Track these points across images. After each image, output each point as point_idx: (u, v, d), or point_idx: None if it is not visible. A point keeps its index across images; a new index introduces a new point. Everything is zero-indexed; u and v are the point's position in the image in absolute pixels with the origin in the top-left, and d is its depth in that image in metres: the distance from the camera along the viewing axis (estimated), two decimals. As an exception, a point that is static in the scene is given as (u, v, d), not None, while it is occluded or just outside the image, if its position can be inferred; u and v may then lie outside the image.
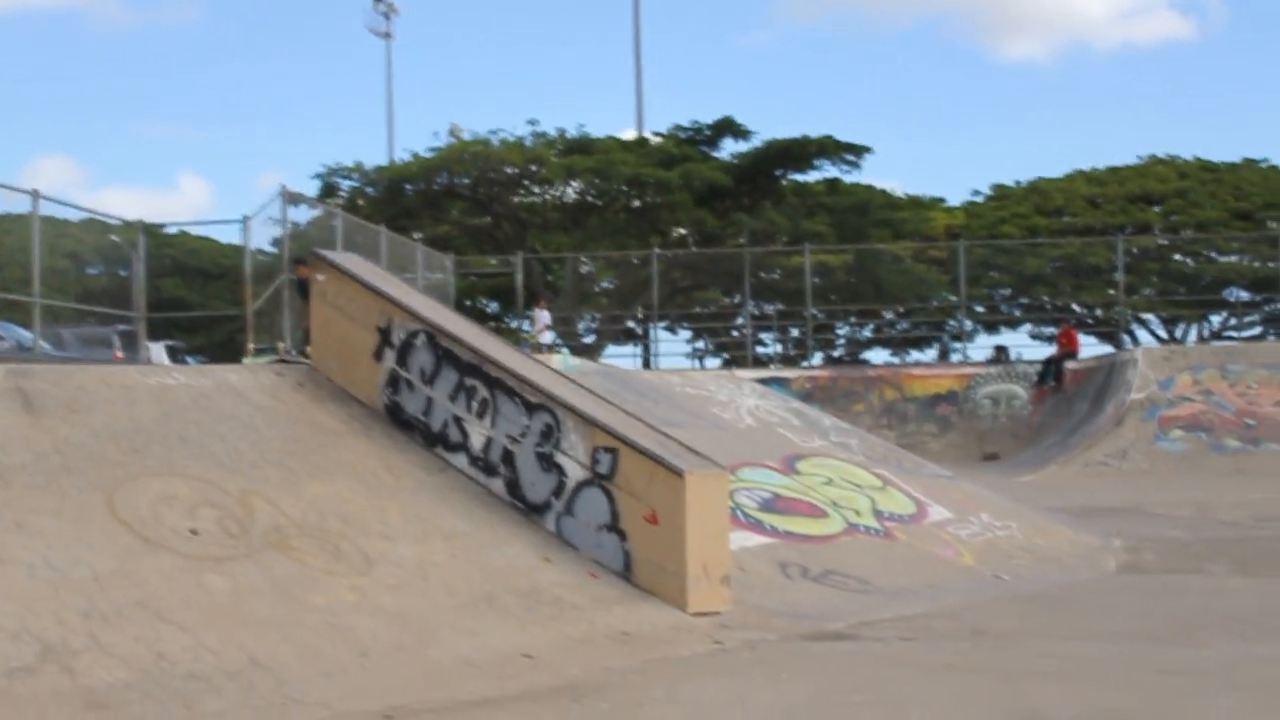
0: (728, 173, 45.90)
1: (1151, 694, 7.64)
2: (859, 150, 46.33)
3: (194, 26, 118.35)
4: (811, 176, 48.22)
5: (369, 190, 47.28)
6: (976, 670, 8.41)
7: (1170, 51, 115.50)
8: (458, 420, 11.43)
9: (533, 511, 10.86)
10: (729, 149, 48.02)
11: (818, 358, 44.40)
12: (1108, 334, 44.27)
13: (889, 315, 47.86)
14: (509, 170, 45.81)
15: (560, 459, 10.71)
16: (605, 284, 48.99)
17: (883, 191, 50.69)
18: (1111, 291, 41.91)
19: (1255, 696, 7.53)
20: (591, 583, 10.06)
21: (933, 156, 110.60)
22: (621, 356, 46.39)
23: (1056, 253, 46.41)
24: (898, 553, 12.88)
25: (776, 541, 12.18)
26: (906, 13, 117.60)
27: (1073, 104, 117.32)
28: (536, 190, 47.29)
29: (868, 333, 48.86)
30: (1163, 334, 48.24)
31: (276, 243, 27.09)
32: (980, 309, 46.76)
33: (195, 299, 45.27)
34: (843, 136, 46.25)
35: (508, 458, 11.08)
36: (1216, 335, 47.39)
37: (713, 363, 46.11)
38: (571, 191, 47.04)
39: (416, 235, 40.60)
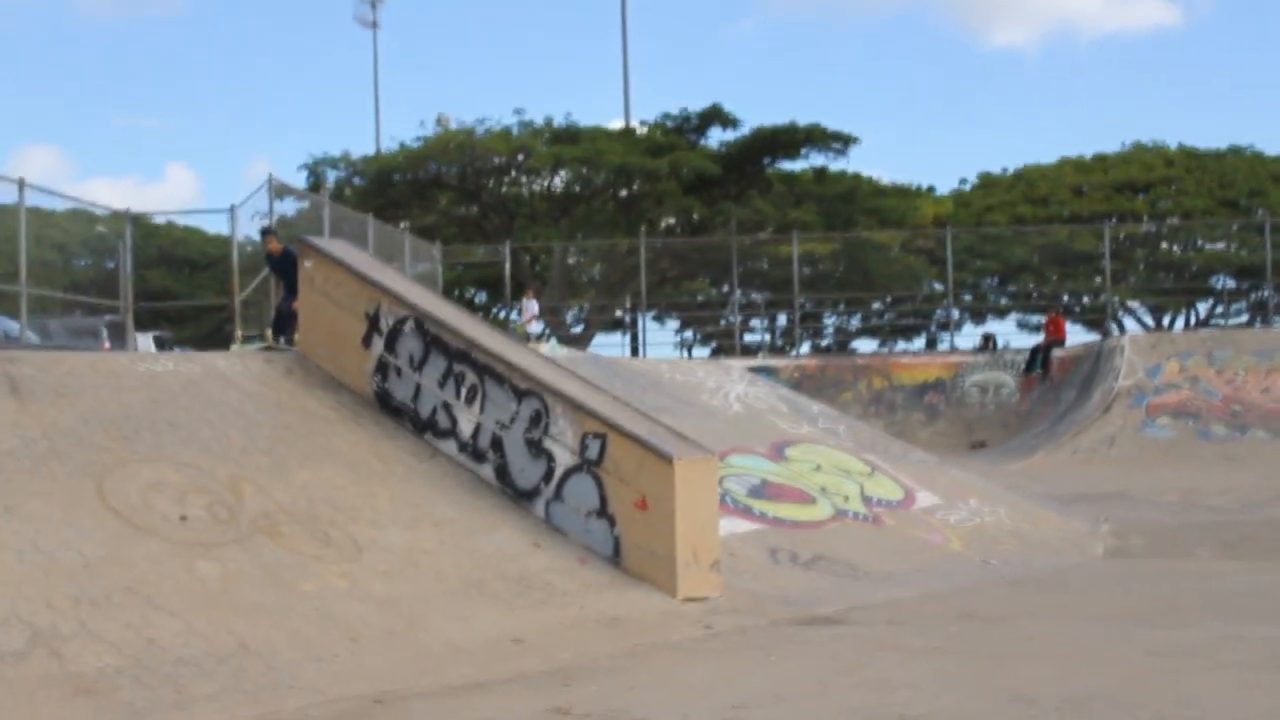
0: (715, 162, 45.87)
1: (1138, 675, 7.67)
2: (846, 139, 46.32)
3: (181, 16, 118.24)
4: (799, 165, 48.23)
5: (356, 180, 47.16)
6: (964, 653, 8.43)
7: (1157, 39, 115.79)
8: (447, 406, 11.44)
9: (522, 497, 10.87)
10: (716, 138, 48.02)
11: (806, 347, 44.46)
12: (1095, 322, 44.33)
13: (877, 304, 47.91)
14: (496, 160, 45.73)
15: (549, 445, 10.72)
16: (593, 273, 48.96)
17: (870, 180, 50.71)
18: (1098, 279, 41.95)
19: (1240, 675, 7.56)
20: (581, 568, 10.08)
21: (920, 145, 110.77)
22: (610, 346, 46.33)
23: (1043, 241, 46.49)
24: (886, 538, 12.91)
25: (766, 527, 12.21)
26: (893, 1, 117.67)
27: (1060, 92, 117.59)
28: (524, 180, 47.23)
29: (855, 321, 48.94)
30: (1150, 321, 48.33)
31: (262, 236, 27.03)
32: (968, 297, 46.80)
33: (182, 289, 45.14)
34: (830, 125, 46.28)
35: (497, 444, 11.08)
36: (1203, 323, 47.48)
37: (701, 352, 46.19)
38: (559, 181, 47.00)
39: (404, 225, 40.56)
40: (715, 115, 47.81)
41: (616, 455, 10.28)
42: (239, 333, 23.15)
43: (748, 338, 46.37)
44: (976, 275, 47.27)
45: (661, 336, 47.16)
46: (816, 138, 46.14)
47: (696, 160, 45.14)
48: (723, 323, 45.89)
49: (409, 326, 11.75)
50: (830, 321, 48.96)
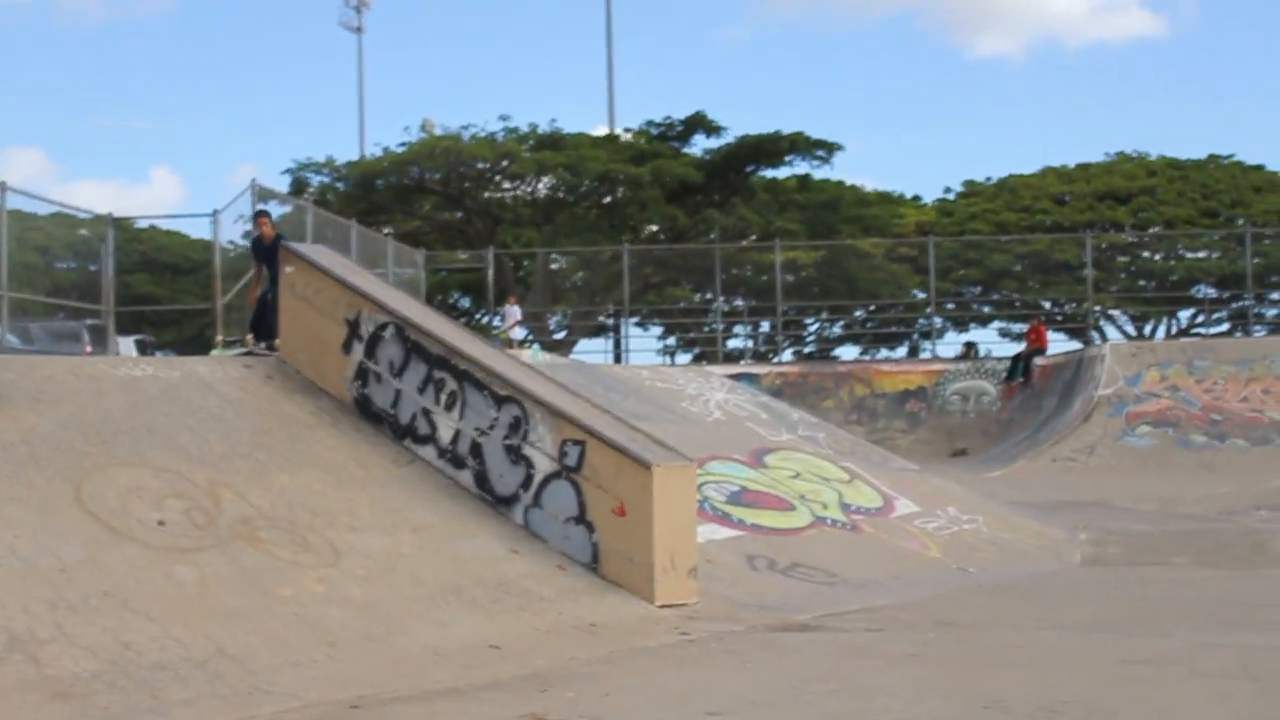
0: (699, 169, 45.95)
1: (1113, 683, 7.71)
2: (830, 147, 46.43)
3: (167, 19, 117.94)
4: (783, 173, 48.31)
5: (340, 185, 47.13)
6: (941, 660, 8.47)
7: (1141, 49, 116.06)
8: (426, 413, 11.46)
9: (501, 503, 10.89)
10: (700, 145, 48.09)
11: (788, 354, 44.52)
12: (1076, 330, 44.45)
13: (859, 312, 48.00)
14: (480, 166, 45.73)
15: (528, 451, 10.75)
16: (576, 280, 48.97)
17: (854, 188, 50.83)
18: (1080, 288, 42.09)
19: (1214, 684, 7.61)
20: (559, 574, 10.10)
21: (905, 152, 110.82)
22: (593, 352, 46.34)
23: (1025, 249, 46.63)
24: (864, 545, 12.96)
25: (744, 534, 12.25)
26: (880, 8, 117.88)
27: (1044, 101, 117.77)
28: (508, 186, 47.25)
29: (838, 329, 49.00)
30: (1131, 330, 48.47)
31: (247, 237, 27.05)
32: (951, 306, 46.91)
33: (165, 294, 45.06)
34: (816, 132, 46.40)
35: (476, 450, 11.10)
36: (1184, 332, 47.63)
37: (684, 358, 46.18)
38: (543, 187, 47.03)
39: (387, 230, 40.57)
40: (699, 122, 47.87)
41: (595, 462, 10.31)
42: (220, 337, 23.14)
43: (730, 344, 46.42)
44: (959, 283, 47.39)
45: (645, 343, 47.31)
46: (800, 145, 46.24)
47: (680, 168, 45.21)
48: (706, 329, 45.91)
49: (389, 333, 11.77)
50: (813, 328, 49.02)
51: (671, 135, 48.26)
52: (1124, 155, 54.53)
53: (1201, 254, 47.72)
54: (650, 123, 48.79)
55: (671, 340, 48.32)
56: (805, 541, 12.57)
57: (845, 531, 13.16)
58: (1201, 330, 46.70)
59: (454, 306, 47.38)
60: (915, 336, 45.30)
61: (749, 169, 47.47)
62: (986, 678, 7.88)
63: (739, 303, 47.47)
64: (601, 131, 50.90)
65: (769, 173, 48.15)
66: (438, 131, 47.36)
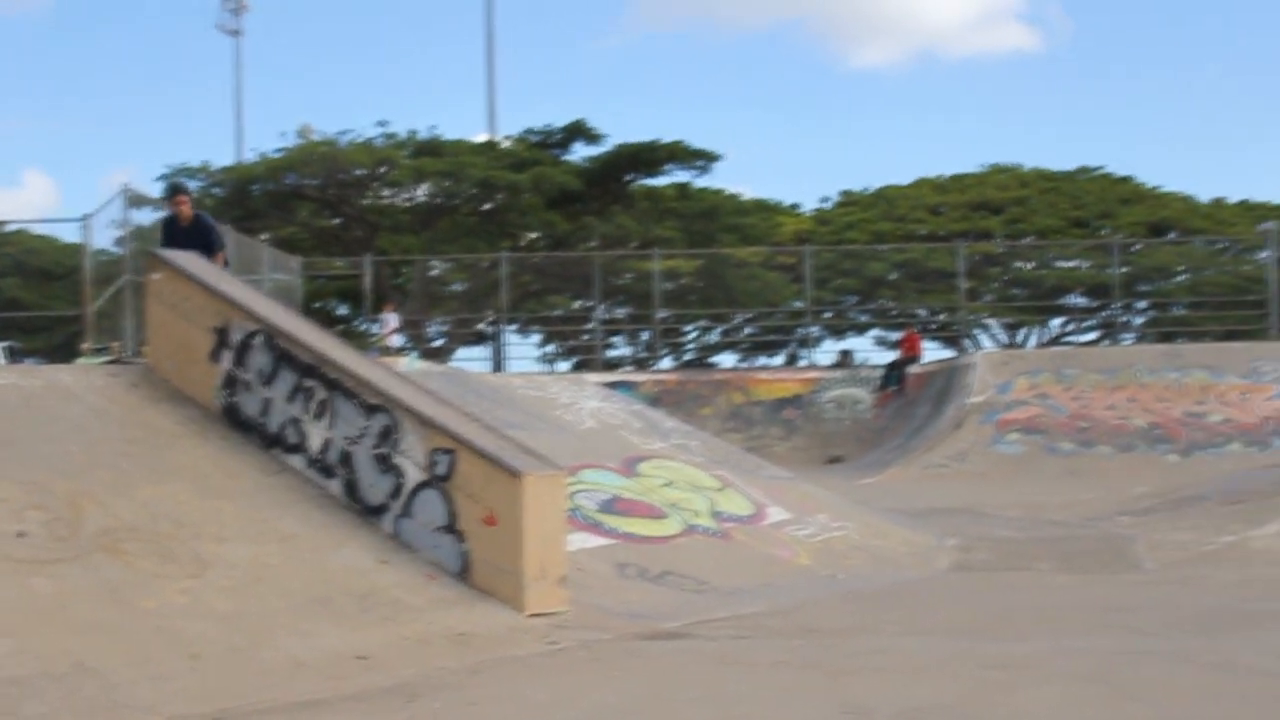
0: (578, 177, 45.98)
1: (972, 687, 7.85)
2: (708, 156, 46.67)
3: (40, 20, 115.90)
4: (662, 181, 48.49)
5: (216, 190, 46.57)
6: (806, 667, 8.56)
7: (1016, 63, 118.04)
8: (295, 421, 11.36)
9: (370, 513, 10.82)
10: (580, 153, 48.14)
11: (667, 361, 44.70)
12: (951, 339, 45.09)
13: (738, 319, 48.34)
14: (358, 172, 45.45)
15: (398, 460, 10.70)
16: (455, 287, 48.82)
17: (732, 197, 51.18)
18: (955, 297, 42.74)
19: (1069, 687, 7.78)
20: (429, 584, 10.07)
21: (784, 162, 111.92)
22: (472, 360, 46.26)
23: (901, 258, 47.26)
24: (735, 553, 13.05)
25: (615, 542, 12.28)
26: (761, 18, 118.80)
27: (921, 112, 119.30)
28: (386, 192, 46.97)
29: (716, 337, 49.30)
30: (1004, 338, 49.25)
31: (119, 242, 26.68)
32: (828, 315, 47.38)
33: (34, 300, 44.31)
34: (696, 140, 46.67)
35: (346, 459, 11.03)
36: (1056, 340, 48.50)
37: (563, 366, 46.25)
38: (421, 194, 46.81)
39: (264, 236, 40.20)
40: (579, 130, 47.91)
41: (465, 471, 10.29)
42: (86, 345, 22.78)
43: (610, 352, 46.55)
44: (836, 292, 47.88)
45: (524, 350, 47.21)
46: (679, 154, 46.43)
47: (559, 175, 45.22)
48: (585, 337, 46.01)
49: (258, 341, 11.66)
50: (692, 337, 49.28)
51: (551, 143, 48.25)
52: (997, 167, 55.50)
53: (1072, 263, 48.68)
54: (530, 130, 48.75)
55: (551, 348, 48.33)
56: (676, 549, 12.63)
57: (716, 539, 13.24)
58: (1072, 338, 47.60)
59: (331, 313, 47.00)
60: (793, 345, 45.72)
61: (628, 177, 47.58)
62: (850, 684, 7.97)
63: (618, 311, 47.60)
64: (481, 138, 50.80)
65: (648, 181, 48.31)
66: (316, 137, 46.96)
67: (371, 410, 10.91)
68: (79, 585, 8.49)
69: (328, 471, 11.13)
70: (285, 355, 11.49)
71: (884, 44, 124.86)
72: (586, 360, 43.79)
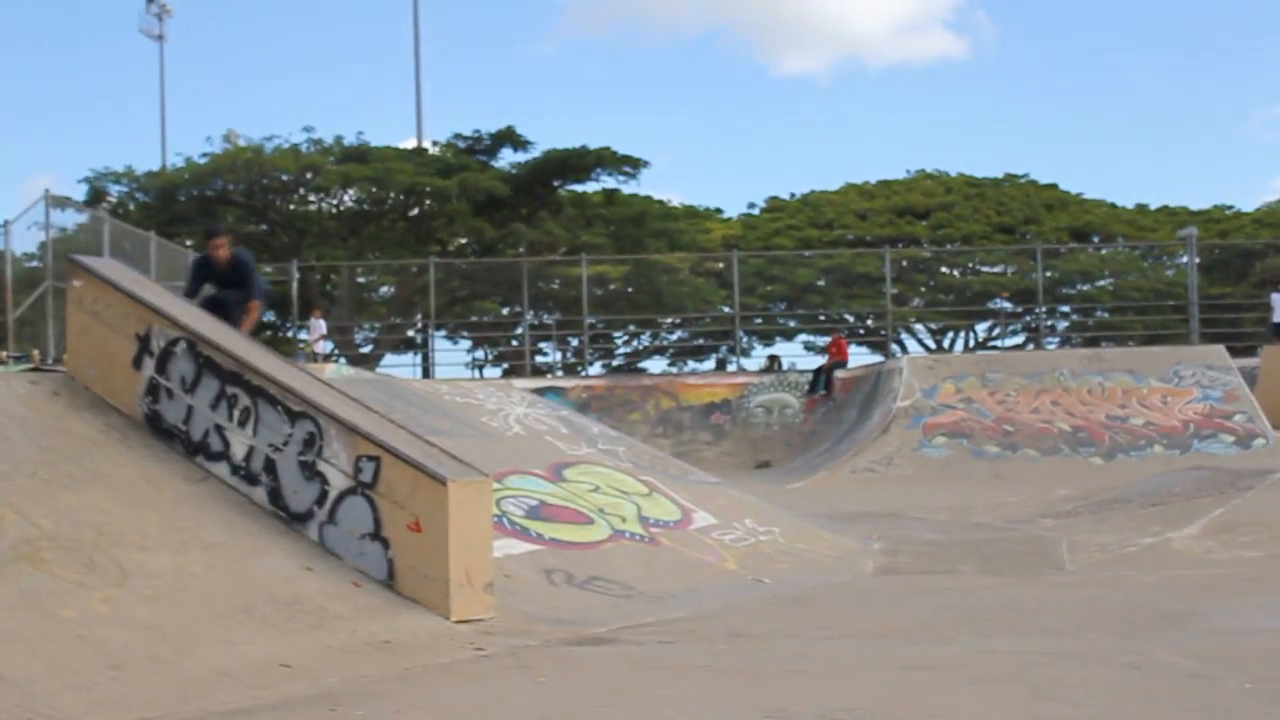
0: (506, 183, 46.02)
1: (893, 689, 7.93)
2: (636, 163, 46.89)
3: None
4: (590, 187, 48.62)
5: (140, 196, 46.23)
6: (731, 671, 8.60)
7: (943, 70, 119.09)
8: (219, 429, 11.29)
9: (295, 520, 10.77)
10: (508, 159, 48.19)
11: (597, 367, 44.77)
12: (878, 343, 45.41)
13: (667, 325, 48.49)
14: (284, 178, 45.27)
15: (323, 467, 10.66)
16: (383, 293, 48.70)
17: (660, 203, 51.35)
18: (882, 301, 43.10)
19: (989, 688, 7.87)
20: (354, 591, 10.03)
21: (711, 168, 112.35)
22: (401, 366, 46.13)
23: (828, 263, 47.56)
24: (662, 558, 13.09)
25: (542, 548, 12.29)
26: (688, 25, 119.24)
27: (847, 118, 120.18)
28: (313, 198, 46.82)
29: (645, 342, 49.42)
30: (931, 343, 49.69)
31: (41, 248, 26.44)
32: (758, 320, 47.61)
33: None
34: (626, 146, 47.09)
35: (270, 466, 10.98)
36: (982, 344, 48.98)
37: (492, 372, 46.24)
38: (348, 200, 46.69)
39: (189, 243, 39.86)
40: (507, 136, 47.98)
41: (390, 478, 10.27)
42: (5, 353, 22.52)
43: (539, 358, 46.54)
44: (764, 298, 48.13)
45: (453, 356, 47.23)
46: (607, 160, 46.59)
47: (487, 181, 45.23)
48: (514, 343, 45.97)
49: (181, 348, 11.58)
50: (621, 342, 49.38)
51: (479, 149, 48.30)
52: (924, 173, 56.04)
53: (997, 269, 49.19)
54: (458, 136, 48.74)
55: (480, 354, 48.28)
56: (603, 555, 12.65)
57: (643, 544, 13.28)
58: (998, 343, 48.07)
59: (258, 320, 46.74)
60: (722, 350, 45.90)
61: (556, 183, 47.65)
62: (774, 688, 8.03)
63: (547, 316, 47.62)
64: (409, 144, 50.70)
65: (576, 187, 48.42)
66: (241, 143, 46.74)
67: (295, 417, 10.86)
68: (-2, 595, 8.41)
69: (252, 479, 11.07)
70: (208, 362, 11.41)
71: (812, 50, 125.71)
72: (515, 366, 43.78)
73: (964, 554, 14.62)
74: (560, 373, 43.94)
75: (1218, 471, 19.43)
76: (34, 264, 26.79)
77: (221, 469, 11.22)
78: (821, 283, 48.70)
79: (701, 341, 47.91)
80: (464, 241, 47.75)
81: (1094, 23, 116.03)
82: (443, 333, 45.53)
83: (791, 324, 49.41)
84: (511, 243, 46.37)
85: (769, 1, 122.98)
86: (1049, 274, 45.03)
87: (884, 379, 30.93)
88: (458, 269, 45.05)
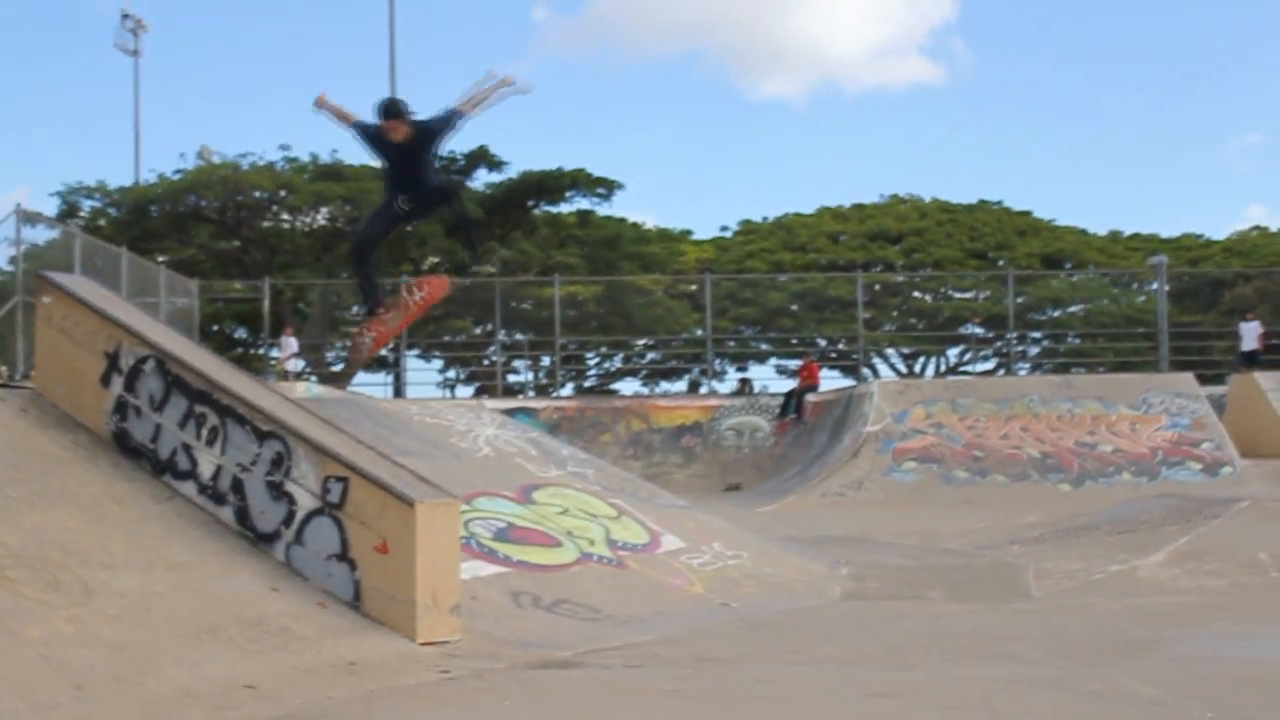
0: (480, 204, 46.02)
1: (857, 715, 7.95)
2: (610, 185, 47.04)
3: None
4: (564, 208, 48.68)
5: (112, 211, 46.10)
6: (696, 696, 8.60)
7: (918, 95, 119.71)
8: (187, 448, 11.26)
9: (262, 541, 10.74)
10: (483, 179, 48.20)
11: (569, 388, 44.76)
12: (849, 367, 45.51)
13: (639, 347, 48.55)
14: (258, 195, 45.20)
15: (290, 487, 10.63)
16: (355, 311, 48.61)
17: (634, 225, 51.46)
18: (854, 326, 43.21)
19: (953, 714, 7.89)
20: (320, 612, 10.00)
21: (687, 190, 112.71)
22: (373, 385, 46.00)
23: (801, 287, 47.67)
24: (630, 581, 13.08)
25: (509, 571, 12.27)
26: (667, 47, 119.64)
27: (823, 143, 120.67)
28: (286, 216, 46.77)
29: (618, 364, 49.46)
30: (902, 368, 49.82)
31: (11, 263, 26.37)
32: (730, 343, 47.68)
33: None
34: (601, 167, 47.36)
35: (237, 486, 10.95)
36: (953, 369, 49.14)
37: (464, 391, 46.18)
38: (322, 218, 46.65)
39: (161, 258, 39.83)
40: (482, 157, 48.00)
41: (358, 498, 10.25)
42: (-26, 369, 22.42)
43: (512, 378, 46.55)
44: (736, 321, 48.22)
45: (426, 375, 47.17)
46: (581, 182, 46.69)
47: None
48: (486, 363, 45.95)
49: (150, 366, 11.54)
50: (593, 363, 49.41)
51: (454, 169, 48.27)
52: (897, 197, 56.25)
53: (969, 294, 49.38)
54: (434, 156, 48.65)
55: (452, 374, 48.25)
56: (571, 578, 12.64)
57: (611, 568, 13.27)
58: (969, 368, 48.25)
59: (230, 337, 46.61)
60: (694, 372, 45.96)
61: (530, 204, 47.72)
62: (739, 713, 8.05)
63: (520, 336, 47.65)
64: (383, 164, 50.63)
65: (550, 208, 48.48)
66: (216, 159, 46.68)
67: (264, 437, 10.84)
68: (-39, 614, 8.36)
69: (219, 498, 11.03)
70: (177, 381, 11.38)
71: (788, 75, 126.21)
72: (487, 386, 43.76)
73: (932, 579, 14.65)
74: (532, 393, 43.97)
75: (1185, 499, 19.51)
76: (3, 279, 26.68)
77: (189, 488, 11.18)
78: (794, 306, 48.81)
79: (673, 364, 47.94)
80: (437, 260, 47.76)
81: (1069, 51, 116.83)
82: (415, 352, 45.46)
83: (763, 347, 49.48)
84: (485, 262, 46.39)
85: (746, 25, 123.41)
86: (1020, 300, 45.24)
87: (855, 403, 31.02)
88: (430, 288, 44.95)
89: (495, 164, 47.92)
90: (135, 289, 29.02)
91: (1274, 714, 7.91)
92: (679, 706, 8.28)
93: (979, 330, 48.66)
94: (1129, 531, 17.02)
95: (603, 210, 48.41)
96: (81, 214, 45.20)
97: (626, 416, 34.73)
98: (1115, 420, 28.65)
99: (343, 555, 10.30)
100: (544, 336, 43.03)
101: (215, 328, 44.83)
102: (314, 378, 40.35)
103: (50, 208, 44.69)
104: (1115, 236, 55.43)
